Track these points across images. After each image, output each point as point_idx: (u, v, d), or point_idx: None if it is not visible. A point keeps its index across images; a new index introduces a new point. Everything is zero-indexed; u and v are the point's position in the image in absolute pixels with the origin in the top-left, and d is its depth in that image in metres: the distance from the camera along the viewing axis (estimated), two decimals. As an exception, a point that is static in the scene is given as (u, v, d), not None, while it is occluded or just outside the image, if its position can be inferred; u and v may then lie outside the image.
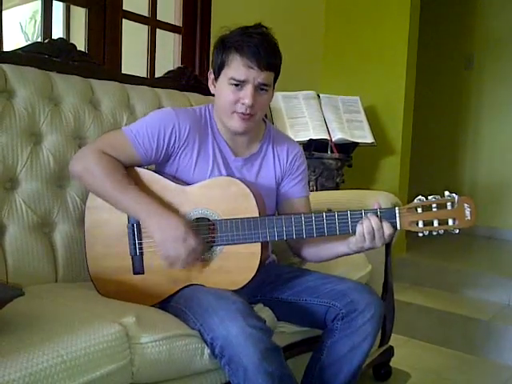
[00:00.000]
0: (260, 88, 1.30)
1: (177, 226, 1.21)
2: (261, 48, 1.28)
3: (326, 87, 3.16)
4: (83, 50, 2.02)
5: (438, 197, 1.20)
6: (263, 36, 1.31)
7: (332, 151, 2.62)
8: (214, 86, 1.37)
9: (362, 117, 2.84)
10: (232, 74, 1.29)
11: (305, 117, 2.68)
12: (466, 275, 2.79)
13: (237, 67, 1.28)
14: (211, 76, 1.37)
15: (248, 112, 1.30)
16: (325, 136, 2.63)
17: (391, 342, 1.98)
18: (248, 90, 1.28)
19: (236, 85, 1.29)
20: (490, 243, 3.66)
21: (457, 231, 1.20)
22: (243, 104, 1.29)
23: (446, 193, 1.20)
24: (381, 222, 1.21)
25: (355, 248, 1.27)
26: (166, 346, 1.10)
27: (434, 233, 1.21)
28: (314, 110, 2.71)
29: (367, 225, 1.21)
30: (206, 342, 1.15)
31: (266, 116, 1.47)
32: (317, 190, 2.57)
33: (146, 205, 1.24)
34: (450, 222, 1.20)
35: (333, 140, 2.64)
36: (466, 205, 1.19)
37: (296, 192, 1.45)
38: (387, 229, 1.21)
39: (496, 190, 3.85)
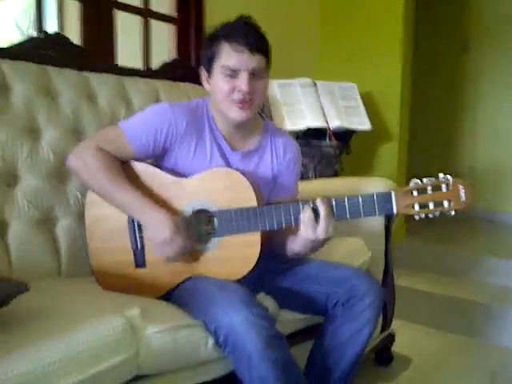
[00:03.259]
0: (254, 74, 1.29)
1: (164, 228, 1.23)
2: (249, 32, 1.28)
3: (323, 74, 3.14)
4: (78, 43, 2.00)
5: (432, 179, 1.20)
6: (248, 23, 1.31)
7: (330, 139, 2.62)
8: (209, 83, 1.36)
9: (359, 103, 2.83)
10: (224, 63, 1.28)
11: (302, 104, 2.66)
12: (465, 259, 2.81)
13: (228, 54, 1.28)
14: (204, 74, 1.37)
15: (247, 98, 1.29)
16: (322, 123, 2.62)
17: (392, 328, 2.01)
18: (243, 76, 1.28)
19: (230, 75, 1.28)
20: (489, 226, 3.67)
21: (452, 213, 1.20)
22: (240, 91, 1.28)
23: (441, 175, 1.20)
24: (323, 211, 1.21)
25: (302, 242, 1.26)
26: (171, 336, 1.11)
27: (430, 215, 1.21)
28: (310, 98, 2.70)
29: (309, 213, 1.21)
30: (209, 331, 1.16)
31: (262, 111, 1.46)
32: (316, 178, 2.57)
33: (139, 204, 1.26)
34: (446, 203, 1.19)
35: (330, 127, 2.63)
36: (460, 186, 1.19)
37: (287, 192, 1.45)
38: (330, 220, 1.21)
39: (495, 174, 3.86)
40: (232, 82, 1.29)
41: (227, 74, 1.28)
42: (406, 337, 2.27)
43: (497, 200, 3.80)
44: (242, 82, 1.28)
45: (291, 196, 1.46)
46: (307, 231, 1.23)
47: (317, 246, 1.27)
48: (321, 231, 1.22)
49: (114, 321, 1.05)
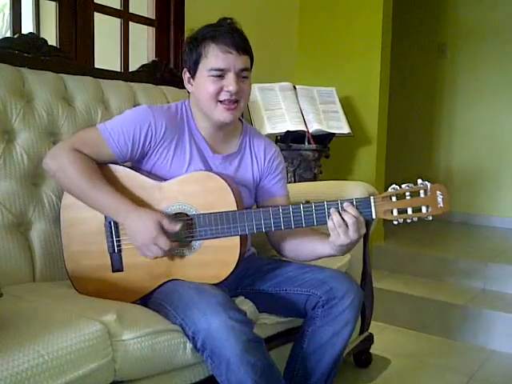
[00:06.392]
0: (241, 75, 1.30)
1: (148, 229, 1.21)
2: (234, 33, 1.29)
3: (302, 78, 3.16)
4: (54, 44, 1.97)
5: (411, 185, 1.22)
6: (232, 24, 1.32)
7: (309, 142, 2.64)
8: (192, 85, 1.35)
9: (338, 107, 2.86)
10: (211, 65, 1.28)
11: (281, 108, 2.68)
12: (443, 261, 2.85)
13: (215, 56, 1.28)
14: (186, 75, 1.36)
15: (233, 98, 1.29)
16: (302, 127, 2.64)
17: (371, 329, 2.02)
18: (230, 77, 1.28)
19: (218, 75, 1.28)
20: (465, 229, 3.73)
21: (430, 218, 1.22)
22: (227, 91, 1.29)
23: (419, 181, 1.22)
24: (353, 213, 1.21)
25: (336, 247, 1.26)
26: (148, 342, 1.10)
27: (409, 220, 1.23)
28: (290, 102, 2.72)
29: (337, 219, 1.21)
30: (187, 336, 1.15)
31: (242, 113, 1.46)
32: (295, 182, 2.58)
33: (121, 205, 1.24)
34: (424, 209, 1.22)
35: (310, 131, 2.65)
36: (438, 192, 1.21)
37: (276, 191, 1.46)
38: (360, 219, 1.21)
39: (471, 177, 3.93)
40: (219, 83, 1.29)
41: (215, 74, 1.28)
42: (385, 338, 2.29)
43: (473, 203, 3.87)
44: (230, 83, 1.28)
45: (282, 195, 1.47)
46: (340, 238, 1.21)
47: (351, 246, 1.27)
48: (352, 233, 1.21)
49: (91, 326, 1.03)
